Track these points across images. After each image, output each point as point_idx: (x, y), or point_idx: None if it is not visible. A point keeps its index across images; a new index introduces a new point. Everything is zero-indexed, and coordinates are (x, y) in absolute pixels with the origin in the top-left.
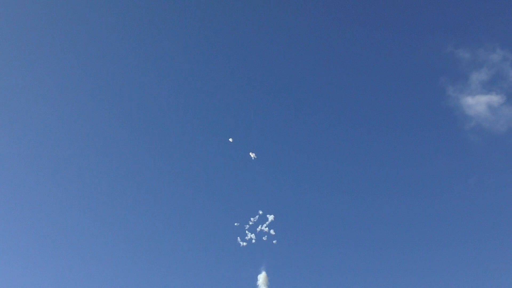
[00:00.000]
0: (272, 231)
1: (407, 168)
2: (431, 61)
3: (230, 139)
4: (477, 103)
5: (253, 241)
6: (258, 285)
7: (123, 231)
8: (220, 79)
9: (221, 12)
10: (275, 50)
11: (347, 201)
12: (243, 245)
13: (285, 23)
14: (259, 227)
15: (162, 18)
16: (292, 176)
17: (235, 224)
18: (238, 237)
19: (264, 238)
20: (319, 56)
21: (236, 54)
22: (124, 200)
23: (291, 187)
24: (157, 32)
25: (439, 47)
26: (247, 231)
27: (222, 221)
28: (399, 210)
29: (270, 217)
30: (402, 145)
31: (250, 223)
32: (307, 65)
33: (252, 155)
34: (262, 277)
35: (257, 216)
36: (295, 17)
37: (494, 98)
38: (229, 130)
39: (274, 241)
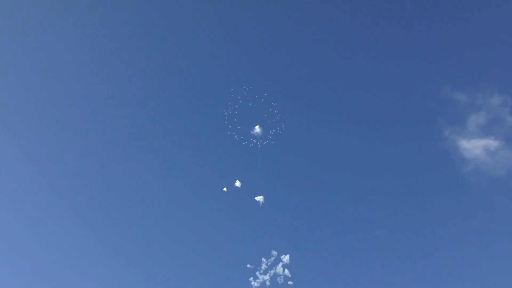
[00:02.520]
0: (287, 271)
1: (407, 210)
2: (428, 102)
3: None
4: (475, 146)
5: (268, 283)
6: None
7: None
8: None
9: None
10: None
11: (360, 237)
12: (256, 286)
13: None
14: (273, 269)
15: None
16: (306, 214)
17: (248, 266)
18: (251, 278)
19: (279, 281)
20: (312, 104)
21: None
22: (135, 242)
23: (305, 226)
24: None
25: (436, 89)
26: (258, 274)
27: (233, 263)
28: (401, 255)
29: (285, 258)
30: (399, 186)
31: (264, 265)
32: (297, 103)
33: (259, 199)
34: None
35: (272, 258)
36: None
37: (492, 143)
38: (238, 171)
39: (289, 282)
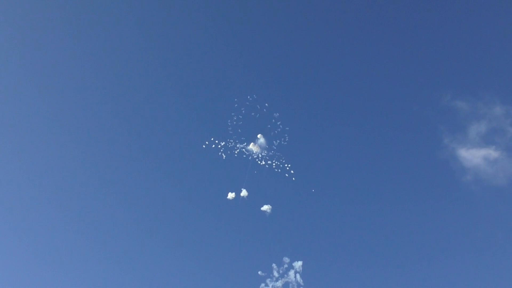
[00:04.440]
0: (299, 278)
1: (410, 216)
2: (429, 110)
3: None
4: (476, 155)
5: None
6: None
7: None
8: None
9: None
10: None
11: (365, 245)
12: None
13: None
14: (285, 277)
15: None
16: (317, 221)
17: (259, 273)
18: (263, 284)
19: None
20: (313, 112)
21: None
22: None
23: (317, 233)
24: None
25: (437, 97)
26: (269, 281)
27: (245, 270)
28: (405, 263)
29: (298, 264)
30: (401, 196)
31: (275, 272)
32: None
33: (265, 208)
34: None
35: (285, 265)
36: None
37: (493, 153)
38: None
39: None
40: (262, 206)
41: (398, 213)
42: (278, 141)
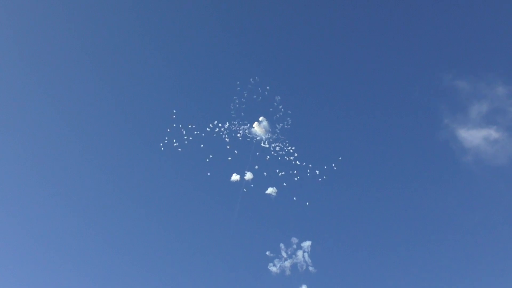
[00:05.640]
0: (308, 258)
1: (410, 198)
2: (430, 90)
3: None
4: (476, 136)
5: (288, 271)
6: None
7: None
8: None
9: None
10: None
11: (366, 227)
12: (275, 271)
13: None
14: (293, 257)
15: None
16: (325, 202)
17: (267, 253)
18: (270, 263)
19: (300, 268)
20: (315, 97)
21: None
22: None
23: (325, 212)
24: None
25: (438, 78)
26: (277, 261)
27: (253, 250)
28: (404, 244)
29: (306, 244)
30: (401, 177)
31: (283, 252)
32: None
33: (271, 191)
34: None
35: (294, 245)
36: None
37: (494, 133)
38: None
39: (310, 268)
40: (268, 188)
41: (399, 193)
42: (281, 124)
